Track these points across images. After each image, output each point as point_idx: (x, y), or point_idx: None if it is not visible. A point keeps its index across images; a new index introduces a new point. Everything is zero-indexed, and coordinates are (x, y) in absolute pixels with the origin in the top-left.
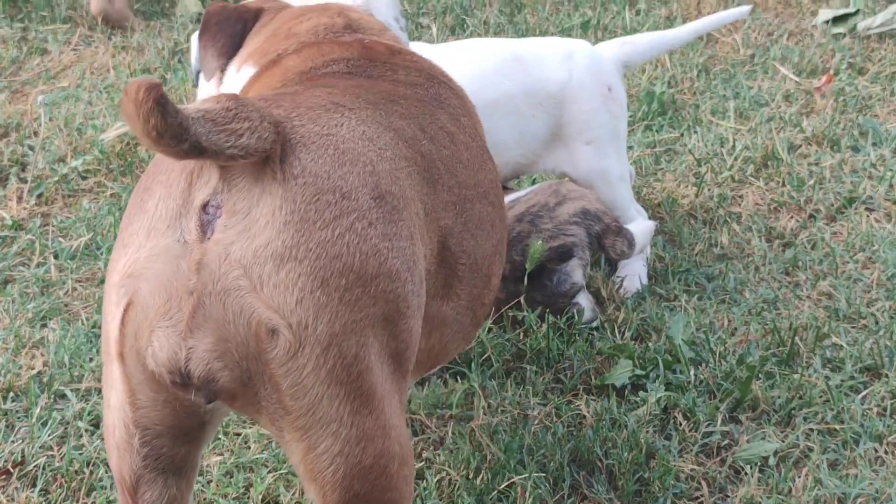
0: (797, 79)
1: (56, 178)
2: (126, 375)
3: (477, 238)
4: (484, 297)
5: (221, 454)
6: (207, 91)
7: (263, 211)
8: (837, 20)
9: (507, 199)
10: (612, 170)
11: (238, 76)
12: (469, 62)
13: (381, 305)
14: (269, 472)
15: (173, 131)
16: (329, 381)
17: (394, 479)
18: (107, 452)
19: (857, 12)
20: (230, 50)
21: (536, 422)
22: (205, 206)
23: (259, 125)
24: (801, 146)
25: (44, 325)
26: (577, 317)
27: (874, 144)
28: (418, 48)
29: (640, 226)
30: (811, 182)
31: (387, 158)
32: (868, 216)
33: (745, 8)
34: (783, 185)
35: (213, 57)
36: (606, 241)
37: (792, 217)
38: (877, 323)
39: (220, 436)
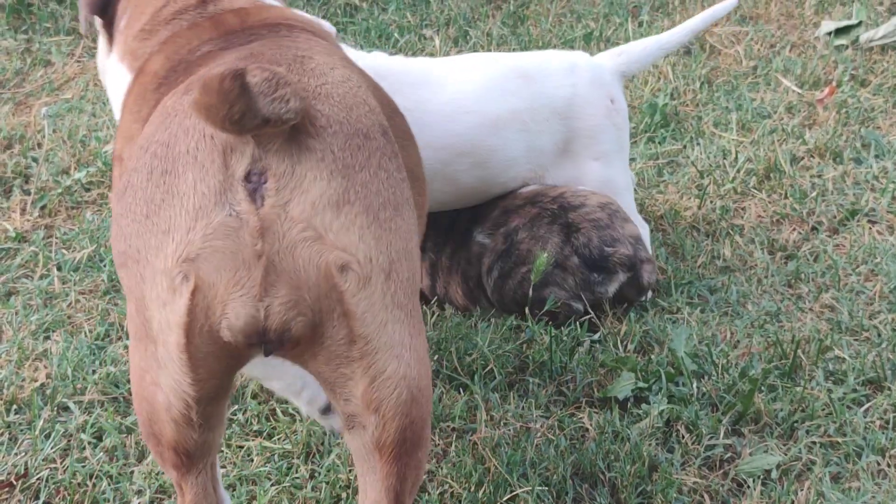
0: (799, 90)
1: (59, 190)
2: (189, 354)
3: (407, 150)
4: (424, 206)
5: (224, 466)
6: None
7: (308, 166)
8: (840, 32)
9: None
10: (618, 180)
11: (120, 69)
12: (474, 78)
13: (410, 232)
14: (272, 484)
15: (252, 111)
16: (393, 306)
17: (429, 407)
18: (152, 431)
19: (859, 24)
20: (97, 6)
21: (539, 434)
22: (247, 176)
23: (296, 87)
24: (803, 158)
25: (47, 338)
26: (562, 315)
27: (877, 156)
28: (418, 63)
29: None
30: (813, 194)
31: (369, 94)
32: (870, 228)
33: (733, 1)
34: (786, 197)
35: (83, 6)
36: (645, 269)
37: (794, 229)
38: (879, 336)
39: (223, 448)
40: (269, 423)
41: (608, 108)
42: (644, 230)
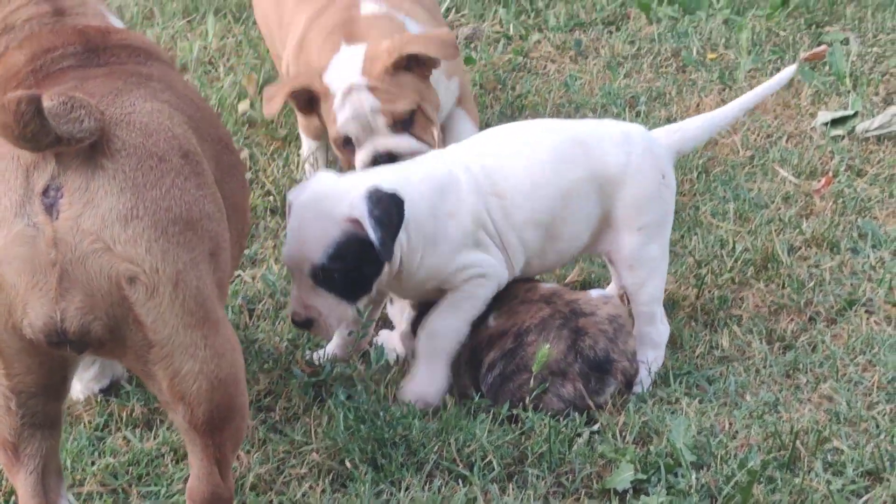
0: (796, 180)
1: None
2: (1, 349)
3: (231, 183)
4: (244, 235)
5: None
6: None
7: (100, 183)
8: (836, 122)
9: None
10: (655, 255)
11: None
12: (541, 151)
13: (207, 242)
14: None
15: (45, 131)
16: (182, 312)
17: (241, 385)
18: None
19: (855, 114)
20: None
21: None
22: (45, 191)
23: (91, 109)
24: (800, 248)
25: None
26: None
27: (873, 246)
28: (471, 142)
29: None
30: (811, 284)
31: (177, 124)
32: (868, 319)
33: (792, 67)
34: (783, 287)
35: None
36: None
37: (792, 319)
38: (877, 426)
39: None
40: None
41: (659, 182)
42: (664, 332)
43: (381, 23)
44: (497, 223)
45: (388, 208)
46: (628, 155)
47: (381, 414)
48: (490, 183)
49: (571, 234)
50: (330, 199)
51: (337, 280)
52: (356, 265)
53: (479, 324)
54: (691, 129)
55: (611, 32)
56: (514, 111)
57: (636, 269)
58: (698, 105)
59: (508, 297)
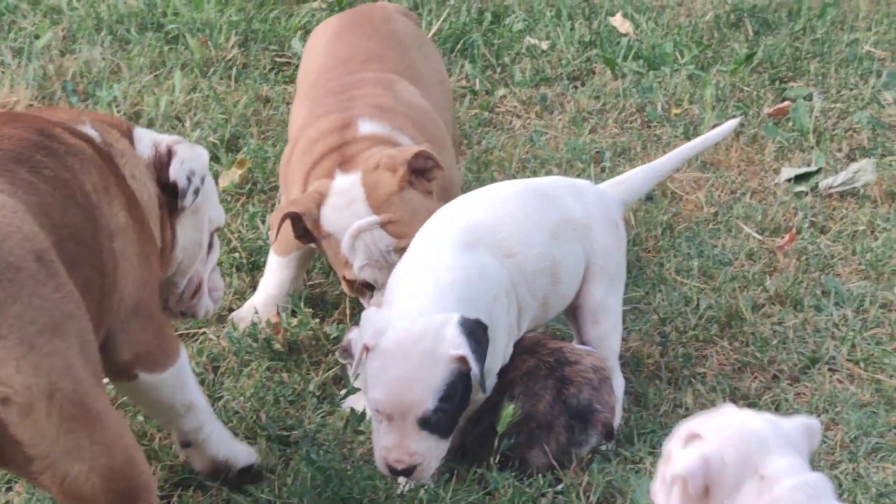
0: (760, 237)
1: None
2: None
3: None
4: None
5: None
6: None
7: None
8: (799, 178)
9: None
10: (615, 309)
11: None
12: (509, 206)
13: (75, 341)
14: None
15: None
16: (60, 420)
17: (139, 465)
18: None
19: (818, 170)
20: None
21: None
22: None
23: None
24: (764, 305)
25: (9, 489)
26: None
27: (836, 304)
28: (452, 219)
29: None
30: (775, 342)
31: (26, 220)
32: (831, 377)
33: (734, 121)
34: (747, 345)
35: None
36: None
37: (756, 377)
38: (840, 486)
39: None
40: None
41: (615, 231)
42: (622, 385)
43: (379, 145)
44: (515, 283)
45: (480, 338)
46: (585, 205)
47: (350, 474)
48: (498, 246)
49: (567, 274)
50: (427, 338)
51: (443, 421)
52: (461, 402)
53: None
54: (636, 179)
55: (576, 87)
56: (480, 167)
57: (600, 322)
58: None
59: None
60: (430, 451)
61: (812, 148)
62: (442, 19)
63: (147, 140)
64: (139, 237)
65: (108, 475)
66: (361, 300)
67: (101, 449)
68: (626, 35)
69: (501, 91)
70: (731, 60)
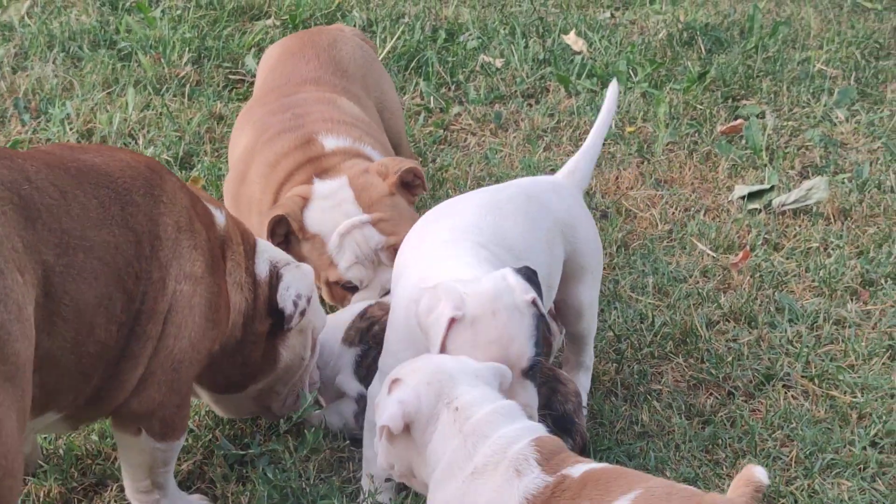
0: (714, 254)
1: None
2: None
3: (79, 283)
4: (88, 346)
5: None
6: None
7: None
8: (753, 196)
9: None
10: (596, 301)
11: None
12: (506, 212)
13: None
14: None
15: None
16: None
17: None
18: None
19: (772, 188)
20: None
21: None
22: None
23: None
24: (718, 322)
25: None
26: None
27: (790, 321)
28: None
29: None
30: (729, 359)
31: None
32: (786, 393)
33: (614, 82)
34: (702, 361)
35: None
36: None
37: (711, 394)
38: (796, 502)
39: None
40: None
41: (594, 227)
42: (585, 391)
43: (350, 156)
44: None
45: (536, 282)
46: (568, 203)
47: (307, 491)
48: (507, 250)
49: (556, 283)
50: (503, 293)
51: (539, 368)
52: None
53: None
54: (583, 164)
55: (530, 105)
56: (435, 184)
57: (584, 317)
58: (617, 178)
59: None
60: (534, 402)
61: (765, 165)
62: (396, 37)
63: (266, 257)
64: (211, 303)
65: None
66: (341, 305)
67: None
68: (579, 53)
69: (456, 109)
70: (685, 78)
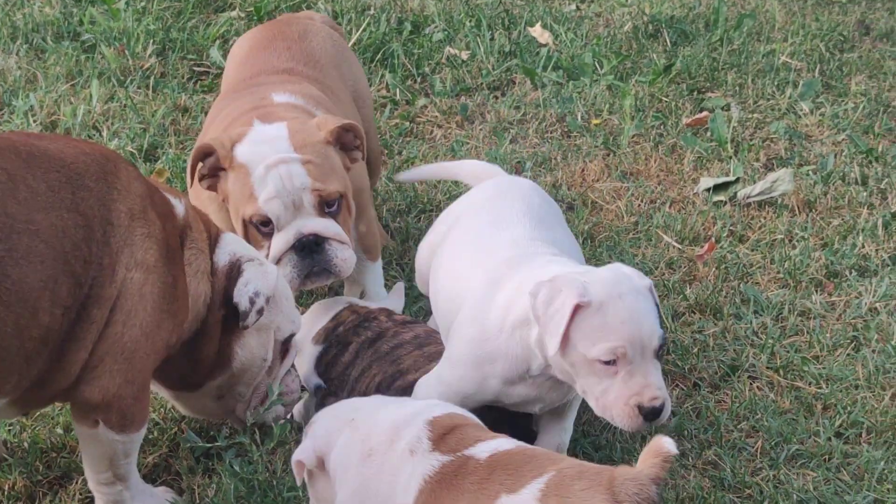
0: (680, 246)
1: None
2: None
3: (23, 267)
4: (31, 329)
5: None
6: None
7: None
8: (718, 188)
9: None
10: None
11: None
12: (542, 214)
13: None
14: None
15: None
16: None
17: None
18: None
19: (737, 180)
20: None
21: None
22: None
23: None
24: (684, 314)
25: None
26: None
27: (755, 312)
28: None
29: None
30: (695, 350)
31: None
32: (751, 384)
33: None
34: (668, 353)
35: None
36: None
37: (677, 385)
38: (761, 493)
39: None
40: None
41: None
42: None
43: (296, 110)
44: None
45: None
46: (549, 203)
47: (274, 485)
48: (562, 250)
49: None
50: (624, 277)
51: (666, 344)
52: None
53: None
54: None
55: (496, 98)
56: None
57: None
58: (583, 170)
59: None
60: (661, 383)
61: (730, 158)
62: (361, 29)
63: (228, 249)
64: (165, 293)
65: None
66: (254, 247)
67: None
68: (545, 45)
69: (422, 101)
70: (650, 71)
